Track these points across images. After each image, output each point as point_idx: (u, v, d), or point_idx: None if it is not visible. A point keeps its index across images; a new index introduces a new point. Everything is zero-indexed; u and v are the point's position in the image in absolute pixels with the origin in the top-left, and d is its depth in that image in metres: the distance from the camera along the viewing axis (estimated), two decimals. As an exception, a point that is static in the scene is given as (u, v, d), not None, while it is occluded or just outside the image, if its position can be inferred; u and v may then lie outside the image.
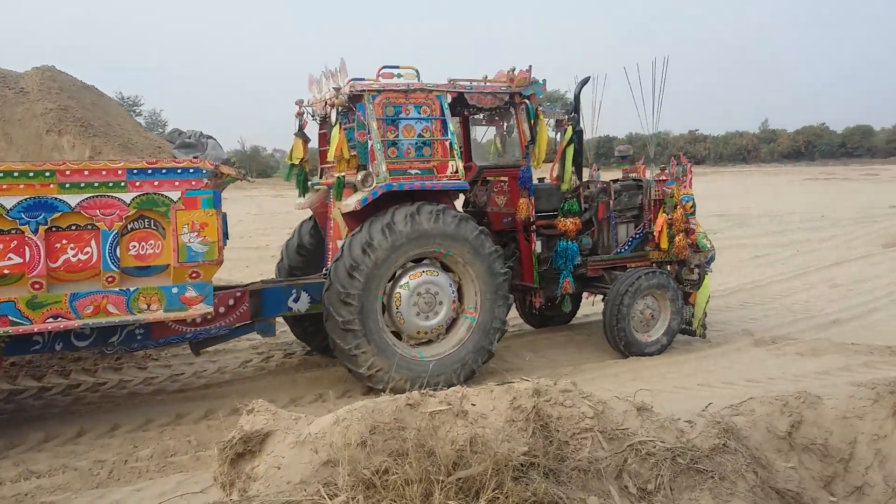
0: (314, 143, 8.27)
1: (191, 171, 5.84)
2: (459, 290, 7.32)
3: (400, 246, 6.84)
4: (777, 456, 3.58)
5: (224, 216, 7.01)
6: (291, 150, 8.05)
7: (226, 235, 7.00)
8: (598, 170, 9.22)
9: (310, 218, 8.29)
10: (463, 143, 9.07)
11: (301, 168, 8.02)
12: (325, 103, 7.48)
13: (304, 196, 8.14)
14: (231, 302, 6.97)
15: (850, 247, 15.77)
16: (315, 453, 3.00)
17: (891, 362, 7.35)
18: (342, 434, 3.04)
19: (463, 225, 7.10)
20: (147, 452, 5.71)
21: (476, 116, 8.70)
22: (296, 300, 7.28)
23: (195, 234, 5.87)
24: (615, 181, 9.17)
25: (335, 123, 7.15)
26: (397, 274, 7.04)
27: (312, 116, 8.12)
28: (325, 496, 2.74)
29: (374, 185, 6.98)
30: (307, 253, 8.18)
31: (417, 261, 7.14)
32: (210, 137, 7.08)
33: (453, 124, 7.40)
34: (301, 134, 7.98)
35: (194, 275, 5.94)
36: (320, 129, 8.22)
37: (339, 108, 7.15)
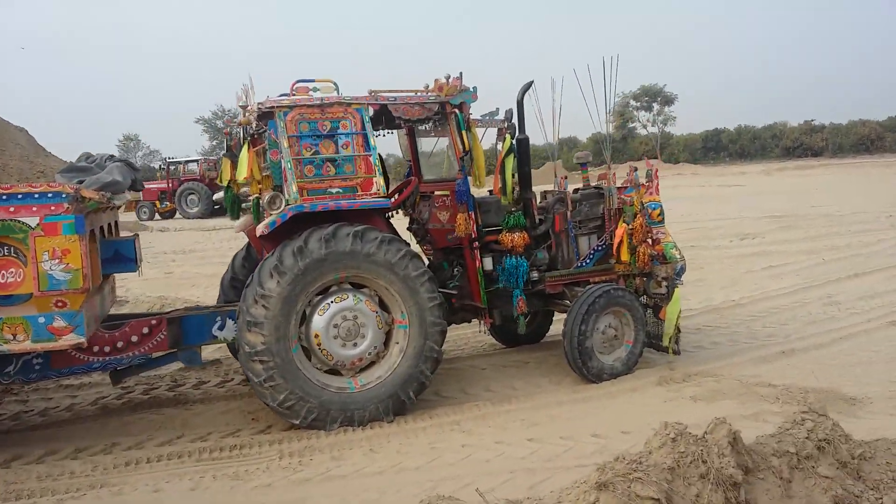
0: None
1: (49, 195, 4.99)
2: (382, 303, 6.32)
3: (313, 269, 5.90)
4: None
5: (132, 241, 6.47)
6: (220, 172, 7.16)
7: (133, 261, 6.46)
8: (566, 178, 8.17)
9: (244, 247, 7.37)
10: (412, 157, 8.24)
11: (229, 189, 7.04)
12: (238, 123, 6.65)
13: (236, 219, 7.16)
14: (146, 330, 6.10)
15: (888, 254, 13.33)
16: None
17: (786, 413, 5.61)
18: None
19: (380, 245, 6.03)
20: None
21: (423, 128, 7.83)
22: (221, 328, 6.36)
23: (56, 261, 5.00)
24: (576, 190, 8.12)
25: (243, 143, 6.21)
26: (307, 311, 6.06)
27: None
28: None
29: (283, 206, 6.06)
30: (241, 285, 6.97)
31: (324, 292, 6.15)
32: (122, 161, 6.55)
33: (373, 139, 6.48)
34: (230, 154, 7.00)
35: (60, 304, 5.09)
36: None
37: (247, 127, 6.45)
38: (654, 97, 68.08)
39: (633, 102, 68.61)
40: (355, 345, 6.15)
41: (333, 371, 6.20)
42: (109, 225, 6.51)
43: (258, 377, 5.84)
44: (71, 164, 6.28)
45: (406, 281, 6.18)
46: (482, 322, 7.19)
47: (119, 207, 5.63)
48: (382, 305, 6.32)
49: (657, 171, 7.55)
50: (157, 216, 31.69)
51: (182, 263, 16.39)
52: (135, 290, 13.21)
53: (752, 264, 12.90)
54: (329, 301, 6.11)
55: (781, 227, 17.68)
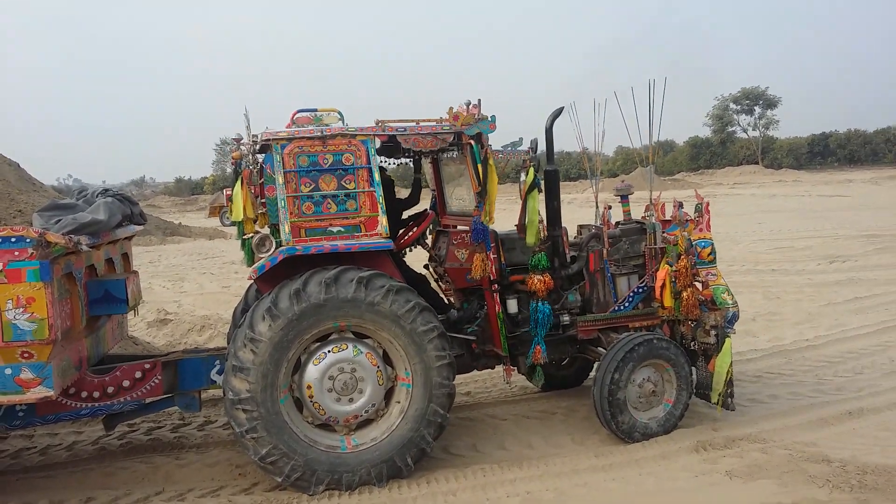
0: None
1: (12, 240, 4.66)
2: (386, 356, 5.73)
3: (310, 315, 5.36)
4: None
5: (122, 281, 6.10)
6: (231, 205, 6.85)
7: (124, 302, 6.11)
8: (610, 208, 7.38)
9: None
10: (435, 186, 7.64)
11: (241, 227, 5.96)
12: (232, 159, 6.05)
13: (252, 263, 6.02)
14: (138, 375, 5.79)
15: None
16: None
17: (834, 502, 4.83)
18: None
19: (387, 295, 5.45)
20: None
21: (449, 156, 7.23)
22: (220, 372, 5.94)
23: (21, 310, 4.68)
24: (617, 224, 7.32)
25: (236, 179, 5.77)
26: (302, 358, 5.55)
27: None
28: None
29: (272, 249, 5.66)
30: None
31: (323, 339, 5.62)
32: (116, 196, 6.25)
33: (378, 174, 5.78)
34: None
35: (26, 355, 4.74)
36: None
37: (241, 162, 5.99)
38: (755, 100, 64.85)
39: (732, 105, 65.66)
40: (351, 400, 5.59)
41: (327, 425, 5.69)
42: (110, 260, 6.23)
43: (241, 427, 5.36)
44: (53, 201, 6.00)
45: (412, 336, 5.57)
46: (504, 372, 6.53)
47: (89, 250, 5.26)
48: (387, 359, 5.76)
49: (707, 204, 6.68)
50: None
51: (242, 276, 16.34)
52: (186, 306, 13.19)
53: (835, 294, 11.61)
54: (326, 350, 5.59)
55: (877, 248, 16.06)
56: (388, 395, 5.75)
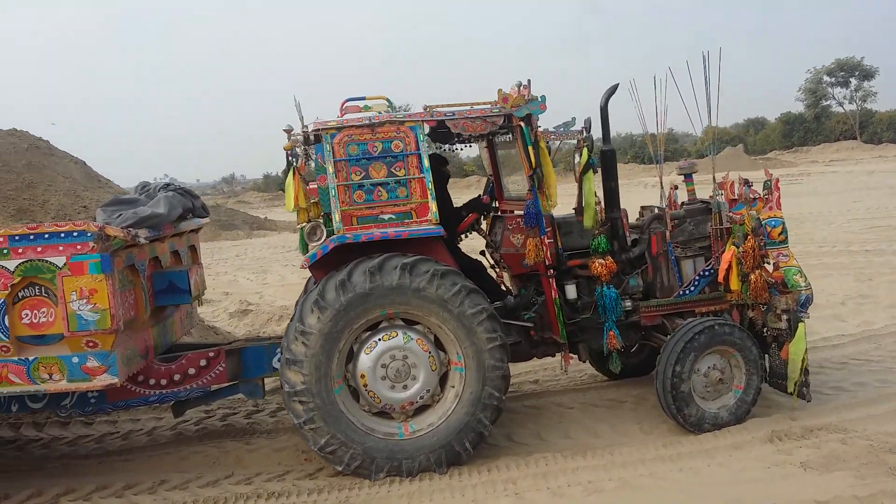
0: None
1: (75, 234, 4.85)
2: (438, 341, 5.67)
3: (357, 304, 5.37)
4: None
5: (185, 272, 6.27)
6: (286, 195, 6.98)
7: (187, 292, 6.27)
8: (676, 188, 7.09)
9: None
10: (492, 171, 7.51)
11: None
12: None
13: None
14: (203, 363, 5.91)
15: None
16: None
17: None
18: None
19: (432, 279, 5.39)
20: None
21: (503, 139, 7.09)
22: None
23: (84, 301, 4.87)
24: (682, 204, 7.01)
25: (288, 169, 5.97)
26: (354, 348, 5.56)
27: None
28: None
29: (323, 237, 5.68)
30: None
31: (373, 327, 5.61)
32: (177, 190, 6.39)
33: (427, 159, 5.81)
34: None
35: (91, 344, 4.94)
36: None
37: (291, 153, 6.06)
38: (850, 71, 61.33)
39: (826, 78, 62.31)
40: (405, 387, 5.57)
41: (384, 413, 5.70)
42: (177, 252, 6.41)
43: (299, 418, 5.43)
44: (116, 196, 6.22)
45: (461, 319, 5.51)
46: (562, 360, 6.37)
47: (148, 242, 5.42)
48: (439, 344, 5.71)
49: (777, 181, 6.31)
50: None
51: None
52: (267, 297, 13.52)
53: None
54: (377, 339, 5.59)
55: None
56: (443, 379, 5.70)
